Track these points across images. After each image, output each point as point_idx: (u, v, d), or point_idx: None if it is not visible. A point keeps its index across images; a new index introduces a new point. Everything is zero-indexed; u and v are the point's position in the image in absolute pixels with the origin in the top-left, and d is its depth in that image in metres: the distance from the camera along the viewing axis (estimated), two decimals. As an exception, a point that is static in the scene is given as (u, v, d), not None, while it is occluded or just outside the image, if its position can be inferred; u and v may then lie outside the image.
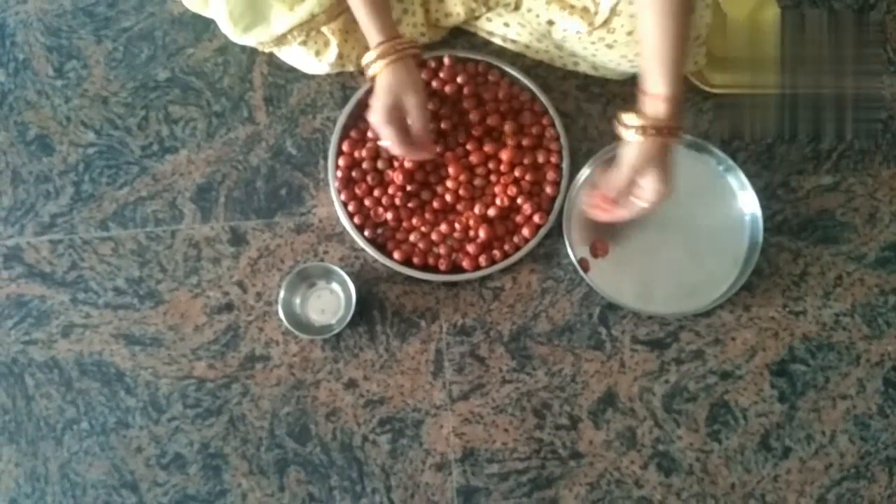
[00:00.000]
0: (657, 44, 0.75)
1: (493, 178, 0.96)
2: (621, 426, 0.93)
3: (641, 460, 0.93)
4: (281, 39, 0.93)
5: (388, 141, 0.85)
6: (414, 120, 0.84)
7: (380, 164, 0.96)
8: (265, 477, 0.93)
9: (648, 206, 0.82)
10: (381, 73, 0.82)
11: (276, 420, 0.94)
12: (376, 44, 0.82)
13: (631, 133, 0.78)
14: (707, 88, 0.98)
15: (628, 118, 0.79)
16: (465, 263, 0.94)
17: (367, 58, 0.83)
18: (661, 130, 0.77)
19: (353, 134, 0.97)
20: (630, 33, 0.86)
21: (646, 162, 0.78)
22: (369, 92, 0.97)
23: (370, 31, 0.83)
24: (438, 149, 0.96)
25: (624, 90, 0.99)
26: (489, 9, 0.95)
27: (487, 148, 0.96)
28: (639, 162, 0.79)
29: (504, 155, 0.95)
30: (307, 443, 0.93)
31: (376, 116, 0.84)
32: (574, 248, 0.94)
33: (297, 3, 0.91)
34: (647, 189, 0.80)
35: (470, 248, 0.94)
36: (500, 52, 1.00)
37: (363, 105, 0.98)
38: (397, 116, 0.83)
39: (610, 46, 0.90)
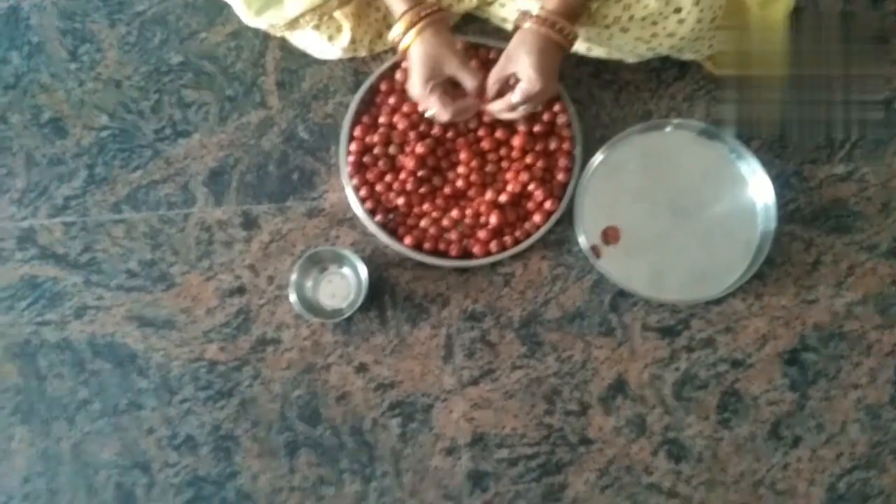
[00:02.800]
0: None
1: (504, 164, 0.96)
2: (631, 413, 0.93)
3: (651, 447, 0.93)
4: (294, 23, 0.93)
5: (434, 109, 0.85)
6: (464, 79, 0.84)
7: (391, 150, 0.95)
8: (275, 459, 0.93)
9: (520, 96, 0.83)
10: (412, 43, 0.82)
11: (287, 403, 0.94)
12: (401, 13, 0.82)
13: (521, 19, 0.82)
14: (720, 73, 0.98)
15: (528, 10, 0.83)
16: (476, 249, 0.94)
17: (394, 31, 0.83)
18: (546, 21, 0.80)
19: (364, 119, 0.97)
20: (646, 6, 0.85)
21: (518, 47, 0.81)
22: (382, 77, 0.98)
23: (394, 2, 0.82)
24: (450, 134, 0.96)
25: (636, 77, 0.99)
26: (502, -6, 0.95)
27: (499, 134, 0.95)
28: (513, 48, 0.82)
29: (516, 141, 0.95)
30: (317, 426, 0.94)
31: (417, 89, 0.84)
32: (585, 235, 0.94)
33: (310, -14, 0.91)
34: (520, 77, 0.82)
35: (481, 233, 0.94)
36: (513, 39, 1.00)
37: (375, 90, 0.98)
38: (439, 83, 0.84)
39: (625, 30, 0.89)
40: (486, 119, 0.96)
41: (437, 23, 0.82)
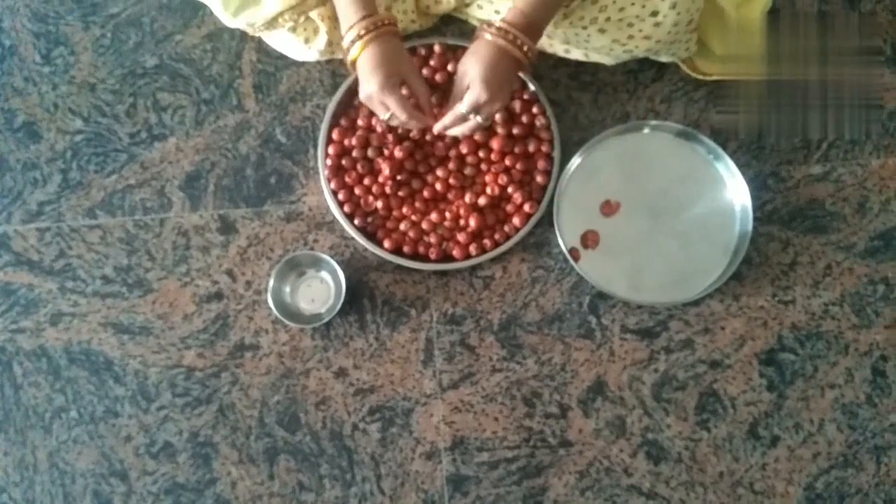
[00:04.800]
0: None
1: (483, 167, 0.96)
2: (611, 415, 0.94)
3: (631, 448, 0.93)
4: (272, 22, 0.92)
5: (388, 113, 0.84)
6: (414, 87, 0.83)
7: (370, 153, 0.95)
8: (255, 465, 0.93)
9: (468, 107, 0.81)
10: (364, 51, 0.81)
11: (266, 409, 0.94)
12: (355, 21, 0.80)
13: (481, 29, 0.81)
14: (697, 76, 0.98)
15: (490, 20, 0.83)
16: (456, 252, 0.94)
17: (346, 39, 0.81)
18: (502, 32, 0.79)
19: (342, 122, 0.96)
20: (622, 10, 0.85)
21: (472, 55, 0.81)
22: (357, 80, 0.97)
23: (348, 10, 0.81)
24: (428, 137, 0.95)
25: (615, 79, 0.99)
26: (479, -4, 0.94)
27: (478, 137, 0.95)
28: (466, 57, 0.82)
29: (494, 144, 0.95)
30: (297, 431, 0.93)
31: (370, 88, 0.82)
32: (564, 238, 0.94)
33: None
34: (470, 88, 0.81)
35: (460, 237, 0.94)
36: (492, 41, 1.00)
37: (353, 93, 0.97)
38: (400, 81, 0.82)
39: (602, 31, 0.89)
40: (438, 132, 0.95)
41: (389, 35, 0.81)
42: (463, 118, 0.83)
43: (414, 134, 0.95)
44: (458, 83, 0.83)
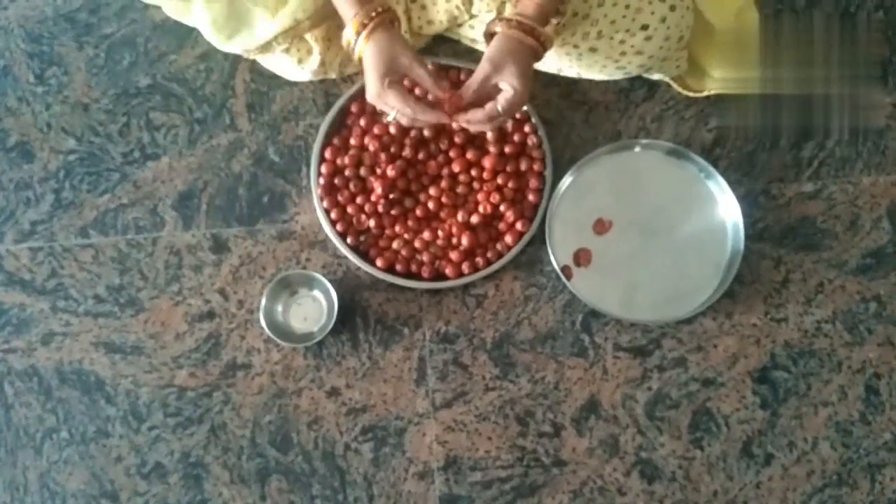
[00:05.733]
0: None
1: (475, 185, 0.97)
2: (604, 433, 0.94)
3: (624, 468, 0.93)
4: (266, 46, 0.93)
5: (394, 109, 0.82)
6: (418, 75, 0.82)
7: (362, 172, 0.96)
8: (246, 486, 0.93)
9: (504, 106, 0.81)
10: (364, 49, 0.80)
11: (258, 428, 0.94)
12: (351, 16, 0.80)
13: (497, 24, 0.81)
14: (688, 93, 0.99)
15: (500, 14, 0.82)
16: (449, 271, 0.95)
17: (346, 34, 0.81)
18: (524, 27, 0.80)
19: (335, 141, 0.97)
20: (613, 22, 0.86)
21: (505, 55, 0.80)
22: (352, 99, 0.98)
23: (344, 6, 0.81)
24: (421, 156, 0.96)
25: (606, 97, 1.00)
26: (472, 16, 0.95)
27: (470, 155, 0.96)
28: (498, 54, 0.80)
29: (487, 162, 0.95)
30: (289, 451, 0.93)
31: (374, 88, 0.81)
32: (557, 256, 0.94)
33: (280, 8, 0.90)
34: (504, 87, 0.80)
35: (453, 255, 0.95)
36: (484, 60, 1.00)
37: (346, 112, 0.99)
38: (396, 79, 0.81)
39: (594, 49, 0.90)
40: (457, 140, 0.96)
41: (388, 23, 0.81)
42: (494, 117, 0.82)
43: (406, 153, 0.95)
44: (486, 76, 0.80)
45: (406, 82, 0.86)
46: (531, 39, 0.80)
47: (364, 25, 0.80)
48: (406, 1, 0.95)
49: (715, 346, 0.95)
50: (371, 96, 0.83)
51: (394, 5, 0.90)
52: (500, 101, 0.80)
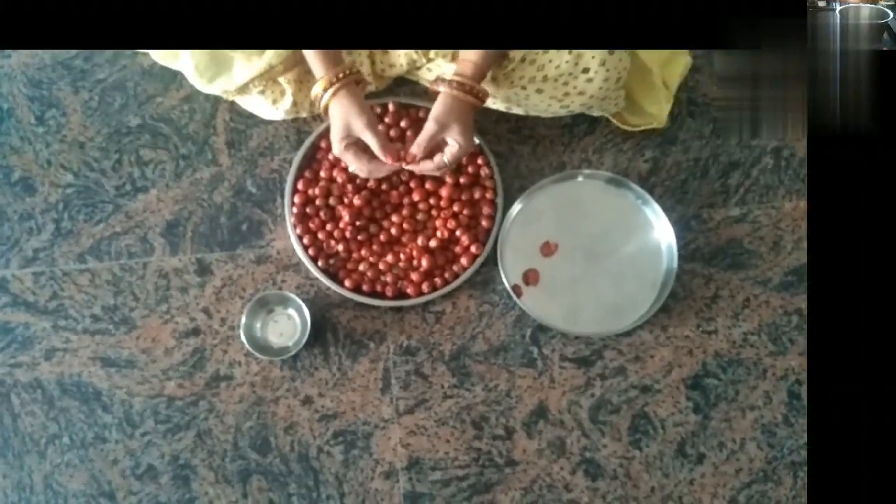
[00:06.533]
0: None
1: (434, 212, 1.05)
2: (552, 436, 1.01)
3: (570, 467, 1.00)
4: (243, 88, 1.01)
5: (352, 165, 0.93)
6: (368, 141, 0.89)
7: (331, 201, 1.04)
8: (230, 485, 1.00)
9: (450, 159, 0.90)
10: (330, 103, 0.89)
11: (240, 434, 1.01)
12: (320, 75, 0.89)
13: (439, 84, 0.89)
14: (626, 128, 1.07)
15: (442, 74, 0.90)
16: (410, 290, 1.02)
17: (314, 90, 0.90)
18: (464, 87, 0.88)
19: (307, 174, 1.05)
20: (558, 67, 0.92)
21: (448, 114, 0.88)
22: (322, 135, 1.05)
23: (316, 65, 0.89)
24: (384, 186, 1.05)
25: (551, 132, 1.08)
26: (429, 60, 1.03)
27: (428, 186, 1.04)
28: (442, 114, 0.88)
29: (444, 192, 1.03)
30: (268, 454, 1.01)
31: (334, 146, 0.91)
32: (508, 276, 1.02)
33: (255, 56, 0.99)
34: (450, 141, 0.90)
35: (414, 276, 1.02)
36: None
37: (316, 147, 1.06)
38: (352, 142, 0.91)
39: (540, 91, 0.97)
40: (417, 172, 1.05)
41: (352, 84, 0.89)
42: (443, 167, 0.92)
43: (371, 184, 1.04)
44: (432, 135, 0.89)
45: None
46: (471, 97, 0.89)
47: (331, 84, 0.88)
48: (369, 47, 1.03)
49: (652, 356, 1.03)
50: (334, 150, 0.93)
51: (358, 62, 0.99)
52: (447, 154, 0.91)
